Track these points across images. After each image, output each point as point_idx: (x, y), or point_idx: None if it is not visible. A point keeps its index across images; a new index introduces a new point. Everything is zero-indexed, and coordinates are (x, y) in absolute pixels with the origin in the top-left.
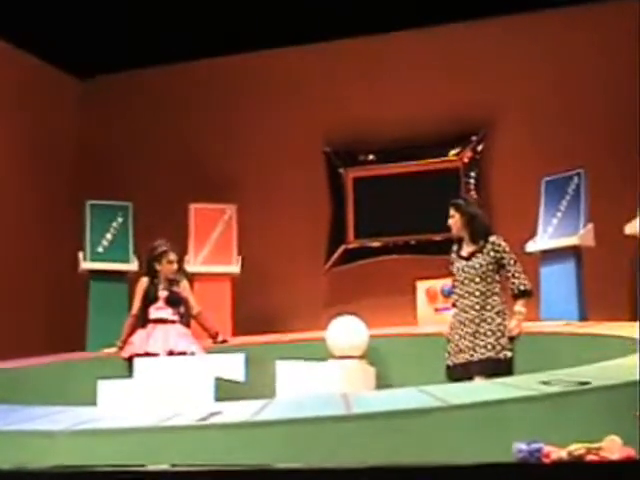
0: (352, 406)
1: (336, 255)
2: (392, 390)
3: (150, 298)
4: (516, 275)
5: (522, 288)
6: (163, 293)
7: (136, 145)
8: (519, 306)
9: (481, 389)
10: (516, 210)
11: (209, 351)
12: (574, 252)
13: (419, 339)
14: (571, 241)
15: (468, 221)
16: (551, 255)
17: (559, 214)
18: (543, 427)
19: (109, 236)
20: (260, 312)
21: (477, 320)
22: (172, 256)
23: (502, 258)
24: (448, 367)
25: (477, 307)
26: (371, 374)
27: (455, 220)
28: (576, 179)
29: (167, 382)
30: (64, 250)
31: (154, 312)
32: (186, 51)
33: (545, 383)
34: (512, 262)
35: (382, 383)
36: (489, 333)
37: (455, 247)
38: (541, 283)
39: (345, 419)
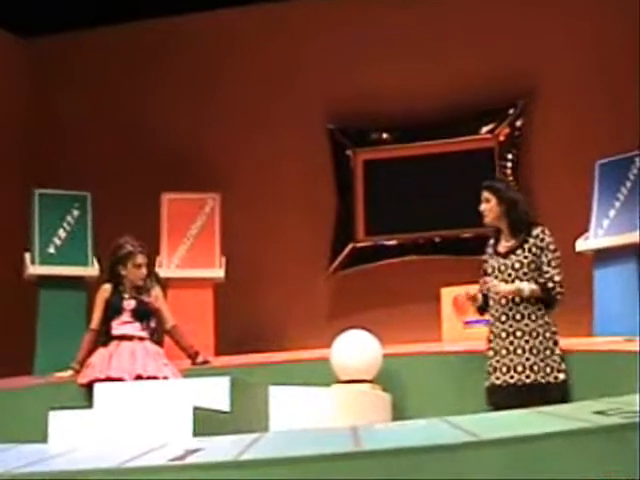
0: (362, 441)
1: (343, 255)
2: (411, 422)
3: (113, 310)
4: (555, 279)
5: (550, 287)
6: (129, 304)
7: (96, 121)
8: (527, 286)
9: (521, 420)
10: (563, 200)
11: (186, 374)
12: (635, 251)
13: (444, 359)
14: (632, 238)
15: (507, 209)
16: (607, 255)
17: (617, 204)
18: (597, 467)
19: (63, 233)
20: (249, 326)
21: (518, 333)
22: (140, 258)
23: (544, 255)
24: (486, 389)
25: (517, 317)
26: (385, 402)
27: (490, 206)
28: (638, 161)
29: (134, 413)
30: (6, 251)
31: (118, 327)
32: (155, 5)
33: (600, 413)
34: (554, 264)
35: (399, 413)
36: (535, 351)
37: (492, 241)
38: (595, 290)
39: (354, 457)
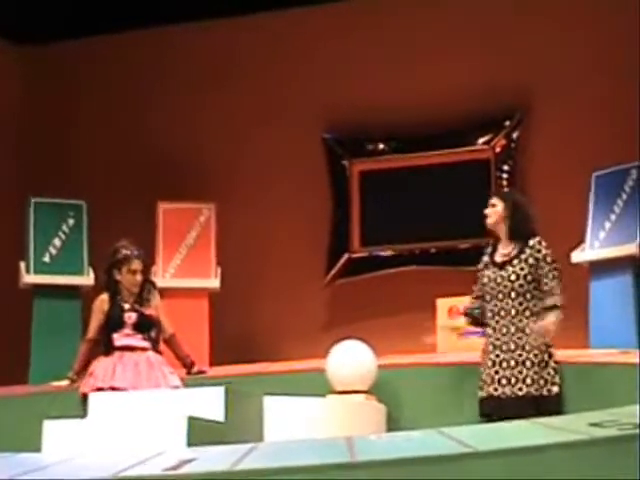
0: (357, 452)
1: (338, 266)
2: (406, 433)
3: (114, 323)
4: (556, 292)
5: (558, 305)
6: (131, 317)
7: (92, 130)
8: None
9: (517, 432)
10: (559, 211)
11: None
12: (631, 263)
13: (439, 370)
14: (628, 250)
15: (511, 214)
16: (603, 267)
17: (613, 216)
18: (595, 479)
19: (58, 242)
20: (244, 336)
21: (512, 346)
22: (136, 264)
23: (541, 268)
24: (480, 400)
25: (513, 329)
26: (380, 413)
27: (495, 210)
28: (634, 173)
29: (129, 422)
30: (1, 259)
31: (120, 339)
32: (152, 14)
33: (596, 425)
34: (551, 276)
35: (393, 424)
36: (528, 364)
37: (489, 249)
38: (590, 302)
39: (348, 468)
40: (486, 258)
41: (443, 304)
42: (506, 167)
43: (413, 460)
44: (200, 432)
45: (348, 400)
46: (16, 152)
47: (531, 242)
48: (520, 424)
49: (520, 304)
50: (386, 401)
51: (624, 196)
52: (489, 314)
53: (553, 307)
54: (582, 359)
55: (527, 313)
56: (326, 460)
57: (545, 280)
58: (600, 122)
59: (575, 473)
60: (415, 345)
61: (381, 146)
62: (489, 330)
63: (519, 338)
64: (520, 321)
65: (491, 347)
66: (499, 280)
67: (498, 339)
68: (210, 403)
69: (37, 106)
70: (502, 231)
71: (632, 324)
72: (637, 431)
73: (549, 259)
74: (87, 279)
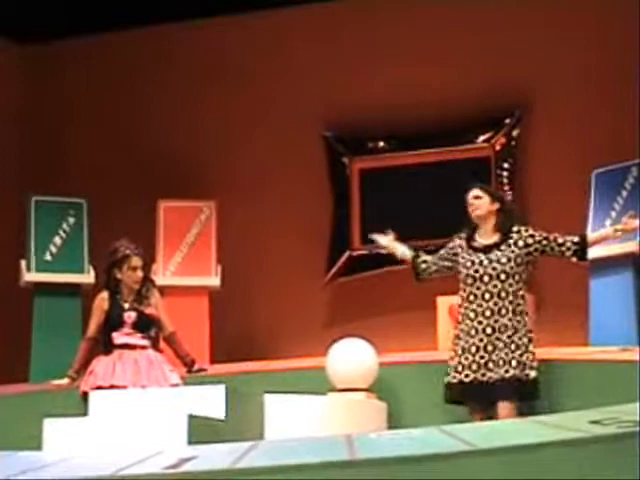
0: (357, 450)
1: (339, 264)
2: (406, 431)
3: (114, 322)
4: (559, 239)
5: (576, 239)
6: (130, 316)
7: (92, 128)
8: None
9: (517, 430)
10: (559, 208)
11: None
12: (632, 260)
13: (440, 367)
14: (628, 247)
15: (500, 208)
16: (603, 264)
17: (613, 214)
18: (595, 477)
19: (59, 240)
20: (245, 334)
21: (502, 328)
22: (136, 261)
23: (536, 242)
24: (461, 383)
25: (503, 312)
26: (381, 411)
27: (482, 202)
28: (635, 171)
29: (130, 420)
30: (2, 258)
31: (120, 337)
32: (153, 12)
33: (596, 423)
34: (545, 235)
35: (394, 422)
36: (513, 346)
37: (464, 235)
38: (591, 299)
39: (349, 466)
40: (461, 242)
41: (443, 302)
42: (506, 165)
43: (414, 458)
44: (200, 430)
45: (349, 398)
46: (17, 150)
47: (515, 228)
48: (520, 422)
49: (510, 285)
50: (387, 399)
51: (624, 194)
52: (471, 297)
53: (582, 238)
54: (582, 357)
55: (519, 293)
56: (326, 458)
57: (546, 243)
58: (600, 120)
59: (575, 471)
60: (416, 342)
61: (381, 144)
62: (471, 313)
63: (509, 319)
64: (510, 303)
65: (473, 331)
66: (485, 263)
67: (480, 322)
68: (210, 401)
69: (37, 104)
70: (488, 223)
71: (632, 322)
72: (637, 429)
73: (537, 233)
74: (88, 277)
